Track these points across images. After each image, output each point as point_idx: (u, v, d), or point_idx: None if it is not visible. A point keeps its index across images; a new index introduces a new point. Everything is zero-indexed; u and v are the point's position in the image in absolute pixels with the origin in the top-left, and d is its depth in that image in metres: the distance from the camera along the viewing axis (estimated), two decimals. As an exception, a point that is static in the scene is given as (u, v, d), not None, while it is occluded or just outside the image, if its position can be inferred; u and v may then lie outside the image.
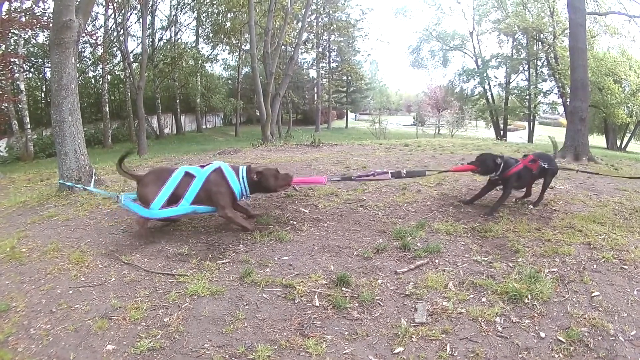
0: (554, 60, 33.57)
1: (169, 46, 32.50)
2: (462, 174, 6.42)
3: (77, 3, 6.42)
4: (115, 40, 27.94)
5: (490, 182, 5.21)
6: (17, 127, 22.21)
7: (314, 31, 42.44)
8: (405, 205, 5.29)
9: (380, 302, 3.11)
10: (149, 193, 4.20)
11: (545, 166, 5.17)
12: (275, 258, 3.85)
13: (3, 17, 16.41)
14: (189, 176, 4.33)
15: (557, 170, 5.52)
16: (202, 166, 4.49)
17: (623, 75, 30.61)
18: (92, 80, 31.21)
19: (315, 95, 48.41)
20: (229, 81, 44.16)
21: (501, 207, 5.07)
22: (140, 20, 24.20)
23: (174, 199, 4.23)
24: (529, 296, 3.08)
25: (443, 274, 3.48)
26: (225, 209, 4.36)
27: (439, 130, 40.94)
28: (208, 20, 35.01)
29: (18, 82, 21.24)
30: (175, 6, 32.42)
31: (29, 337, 2.78)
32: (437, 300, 3.11)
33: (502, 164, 4.92)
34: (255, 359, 2.54)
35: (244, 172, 4.43)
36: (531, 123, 37.11)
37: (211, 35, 35.25)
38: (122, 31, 25.99)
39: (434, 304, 3.06)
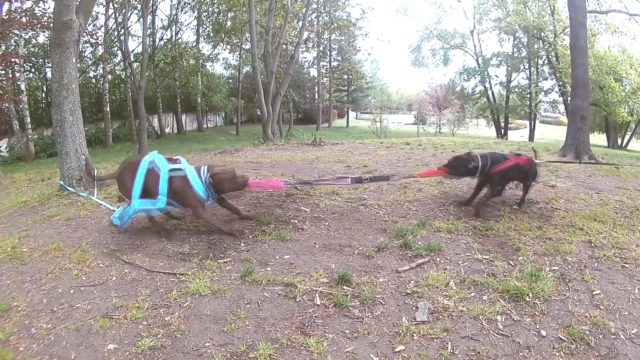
0: (554, 58, 33.49)
1: (169, 46, 32.41)
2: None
3: (78, 3, 6.42)
4: (115, 40, 27.88)
5: (480, 182, 5.16)
6: (18, 127, 22.17)
7: (315, 30, 42.33)
8: (407, 203, 5.29)
9: (381, 301, 3.11)
10: (125, 190, 4.34)
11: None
12: (277, 257, 3.85)
13: (3, 17, 16.40)
14: (153, 171, 4.26)
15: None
16: (169, 159, 4.43)
17: (624, 74, 30.52)
18: (93, 80, 31.11)
19: (316, 94, 48.34)
20: (230, 80, 44.05)
21: (487, 205, 5.07)
22: (141, 19, 24.12)
23: (147, 194, 4.24)
24: (530, 294, 3.09)
25: (444, 273, 3.48)
26: (197, 211, 4.32)
27: (440, 129, 40.82)
28: (209, 20, 34.92)
29: (19, 82, 21.20)
30: (176, 5, 32.39)
31: (30, 337, 2.79)
32: (438, 298, 3.11)
33: (483, 164, 4.79)
34: (257, 358, 2.54)
35: (205, 173, 4.32)
36: (532, 122, 37.05)
37: (212, 34, 35.13)
38: (122, 31, 25.95)
39: (435, 303, 3.06)
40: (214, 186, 4.31)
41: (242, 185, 4.49)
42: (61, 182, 6.29)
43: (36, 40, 25.53)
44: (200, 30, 36.08)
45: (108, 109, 27.44)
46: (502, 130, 38.27)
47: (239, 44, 34.44)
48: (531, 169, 5.08)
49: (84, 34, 12.77)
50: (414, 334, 2.73)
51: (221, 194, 4.52)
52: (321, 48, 45.71)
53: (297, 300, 3.15)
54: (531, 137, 34.91)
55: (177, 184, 4.24)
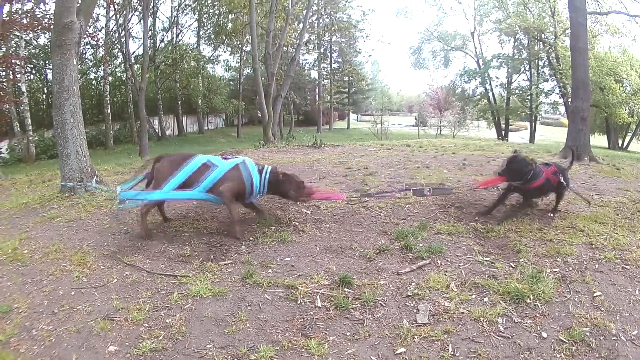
0: (555, 60, 33.51)
1: (170, 47, 32.47)
2: (464, 175, 6.39)
3: (78, 5, 6.43)
4: (116, 42, 27.97)
5: (508, 189, 4.95)
6: (18, 129, 22.22)
7: (315, 32, 42.40)
8: (407, 206, 5.29)
9: (382, 303, 3.11)
10: (161, 178, 4.40)
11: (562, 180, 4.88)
12: (278, 259, 3.85)
13: (4, 18, 16.43)
14: (206, 166, 4.41)
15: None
16: (225, 158, 4.58)
17: (624, 75, 30.53)
18: (94, 82, 31.16)
19: (317, 96, 48.38)
20: (231, 82, 44.09)
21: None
22: (142, 21, 24.20)
23: (185, 186, 4.35)
24: (531, 296, 3.08)
25: (445, 275, 3.48)
26: (227, 196, 4.39)
27: (440, 130, 40.83)
28: (209, 22, 35.00)
29: (19, 84, 21.27)
30: (177, 7, 32.45)
31: (31, 338, 2.79)
32: (439, 300, 3.11)
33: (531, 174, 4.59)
34: (258, 360, 2.54)
35: (268, 171, 4.49)
36: (533, 123, 37.04)
37: (212, 36, 35.23)
38: (123, 32, 26.05)
39: (436, 305, 3.06)
40: (277, 186, 4.49)
41: (307, 195, 4.65)
42: (63, 183, 6.29)
43: (37, 41, 25.56)
44: (201, 32, 36.14)
45: (109, 110, 27.49)
46: (503, 132, 38.30)
47: (240, 46, 34.51)
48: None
49: (85, 36, 12.80)
50: (415, 336, 2.73)
51: (280, 195, 4.70)
52: (322, 50, 45.77)
53: (298, 302, 3.15)
54: (532, 139, 34.90)
55: (233, 171, 4.40)
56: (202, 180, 4.34)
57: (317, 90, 48.78)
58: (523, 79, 38.34)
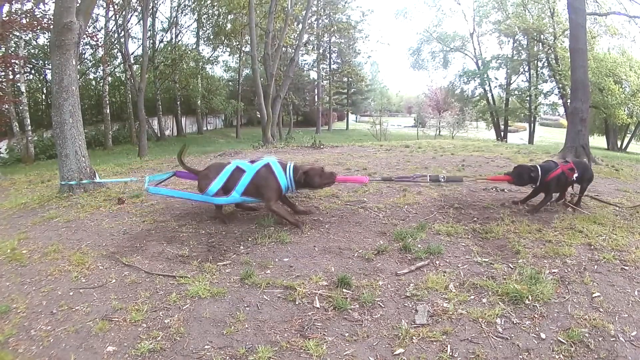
0: (554, 61, 33.59)
1: (169, 48, 32.47)
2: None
3: (78, 5, 6.43)
4: (116, 42, 27.95)
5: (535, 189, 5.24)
6: (17, 129, 22.19)
7: (315, 33, 42.46)
8: (406, 206, 5.29)
9: (380, 304, 3.11)
10: (205, 185, 4.73)
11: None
12: (276, 259, 3.85)
13: (3, 18, 16.45)
14: (239, 170, 4.71)
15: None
16: (252, 162, 4.85)
17: (623, 76, 30.60)
18: (93, 82, 31.18)
19: (316, 96, 48.49)
20: (230, 83, 44.15)
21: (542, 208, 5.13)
22: (141, 22, 24.20)
23: (226, 190, 4.71)
24: (530, 297, 3.08)
25: (444, 275, 3.48)
26: (271, 202, 4.63)
27: (439, 131, 40.92)
28: (209, 22, 35.04)
29: (19, 84, 21.23)
30: (176, 8, 32.46)
31: (29, 339, 2.79)
32: (437, 301, 3.11)
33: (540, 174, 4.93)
34: (256, 361, 2.54)
35: (291, 169, 4.68)
36: (532, 124, 37.11)
37: (212, 37, 35.27)
38: (122, 33, 26.03)
39: (434, 305, 3.06)
40: (304, 181, 4.69)
41: (331, 180, 4.83)
42: (62, 183, 6.29)
43: (36, 42, 25.57)
44: (200, 33, 36.18)
45: (108, 111, 27.49)
46: (502, 133, 38.39)
47: (239, 46, 34.53)
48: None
49: (84, 36, 12.79)
50: (414, 337, 2.73)
51: (308, 188, 4.90)
52: (321, 51, 45.85)
53: (297, 303, 3.14)
54: (531, 140, 35.00)
55: (262, 174, 4.65)
56: (236, 184, 4.64)
57: (316, 91, 48.89)
58: (522, 80, 38.53)
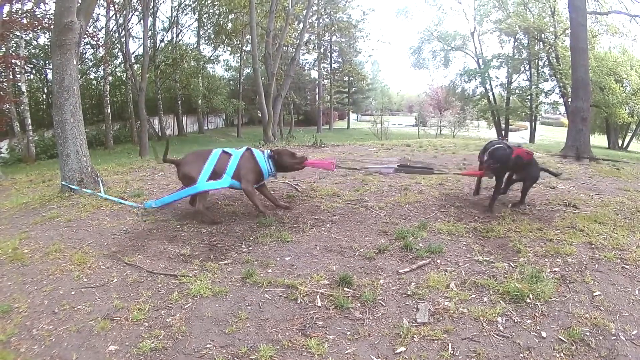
0: (555, 60, 33.53)
1: (170, 47, 32.44)
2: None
3: (79, 5, 6.43)
4: (116, 42, 27.95)
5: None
6: (18, 129, 22.21)
7: (316, 32, 42.42)
8: (407, 205, 5.30)
9: (382, 302, 3.12)
10: (192, 170, 4.82)
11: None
12: (278, 258, 3.86)
13: (4, 18, 16.43)
14: (226, 154, 4.93)
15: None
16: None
17: (624, 75, 30.56)
18: (94, 82, 31.13)
19: (317, 96, 48.41)
20: (231, 82, 44.10)
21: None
22: (142, 21, 24.17)
23: (214, 176, 4.80)
24: (531, 296, 3.09)
25: (445, 274, 3.48)
26: (248, 183, 4.86)
27: (440, 130, 40.87)
28: (209, 22, 34.98)
29: (19, 84, 21.25)
30: (177, 7, 32.43)
31: (31, 338, 2.79)
32: (438, 300, 3.12)
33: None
34: (258, 359, 2.54)
35: (268, 153, 5.05)
36: (533, 123, 37.08)
37: (212, 36, 35.20)
38: (123, 32, 26.03)
39: (435, 304, 3.06)
40: (276, 161, 5.01)
41: (301, 161, 5.14)
42: (63, 183, 6.29)
43: (37, 41, 25.57)
44: (201, 32, 36.14)
45: (109, 110, 27.49)
46: (503, 132, 38.30)
47: (240, 45, 34.51)
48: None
49: (85, 36, 12.80)
50: (415, 336, 2.73)
51: (281, 170, 5.18)
52: (322, 50, 45.79)
53: (298, 301, 3.15)
54: (532, 139, 34.95)
55: (245, 157, 4.93)
56: (226, 168, 4.83)
57: (317, 90, 48.81)
58: (523, 79, 38.44)
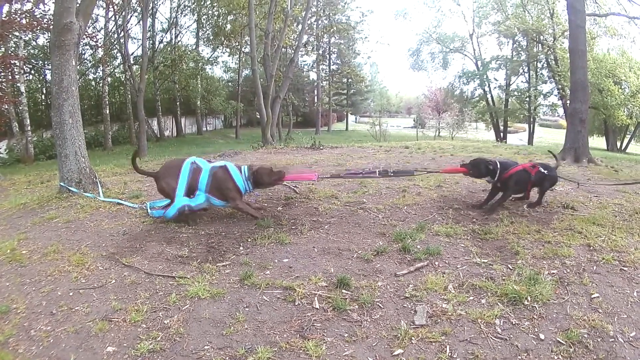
0: (554, 62, 33.61)
1: (169, 48, 32.45)
2: (462, 176, 6.38)
3: (78, 5, 6.43)
4: (115, 43, 27.91)
5: (494, 187, 5.22)
6: (17, 129, 22.18)
7: (314, 33, 42.48)
8: (405, 207, 5.30)
9: (380, 304, 3.12)
10: (167, 186, 4.77)
11: (545, 173, 5.16)
12: (275, 260, 3.85)
13: (3, 18, 16.43)
14: (197, 167, 4.79)
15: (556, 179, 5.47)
16: (209, 161, 4.97)
17: (623, 77, 30.66)
18: (93, 83, 31.18)
19: (316, 97, 48.44)
20: (229, 83, 44.12)
21: (500, 208, 5.09)
22: (141, 22, 24.16)
23: (190, 191, 4.75)
24: (529, 298, 3.09)
25: (443, 276, 3.48)
26: (237, 201, 4.83)
27: (439, 132, 40.96)
28: (208, 23, 35.00)
29: (18, 84, 21.19)
30: (176, 8, 32.44)
31: (29, 339, 2.79)
32: (436, 302, 3.12)
33: (499, 168, 4.98)
34: (255, 361, 2.54)
35: (246, 170, 4.88)
36: (531, 125, 37.16)
37: (211, 37, 35.22)
38: (122, 33, 25.99)
39: (433, 306, 3.06)
40: (255, 181, 4.90)
41: (280, 177, 5.02)
42: (62, 184, 6.29)
43: (36, 42, 25.55)
44: (200, 33, 36.18)
45: (107, 111, 27.44)
46: (502, 134, 38.42)
47: (239, 47, 34.50)
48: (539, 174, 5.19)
49: (84, 37, 12.78)
50: (413, 338, 2.73)
51: (260, 187, 5.12)
52: (320, 51, 45.82)
53: (296, 303, 3.15)
54: (530, 141, 35.04)
55: (220, 177, 4.77)
56: (197, 183, 4.74)
57: (315, 91, 48.86)
58: (522, 81, 38.60)
